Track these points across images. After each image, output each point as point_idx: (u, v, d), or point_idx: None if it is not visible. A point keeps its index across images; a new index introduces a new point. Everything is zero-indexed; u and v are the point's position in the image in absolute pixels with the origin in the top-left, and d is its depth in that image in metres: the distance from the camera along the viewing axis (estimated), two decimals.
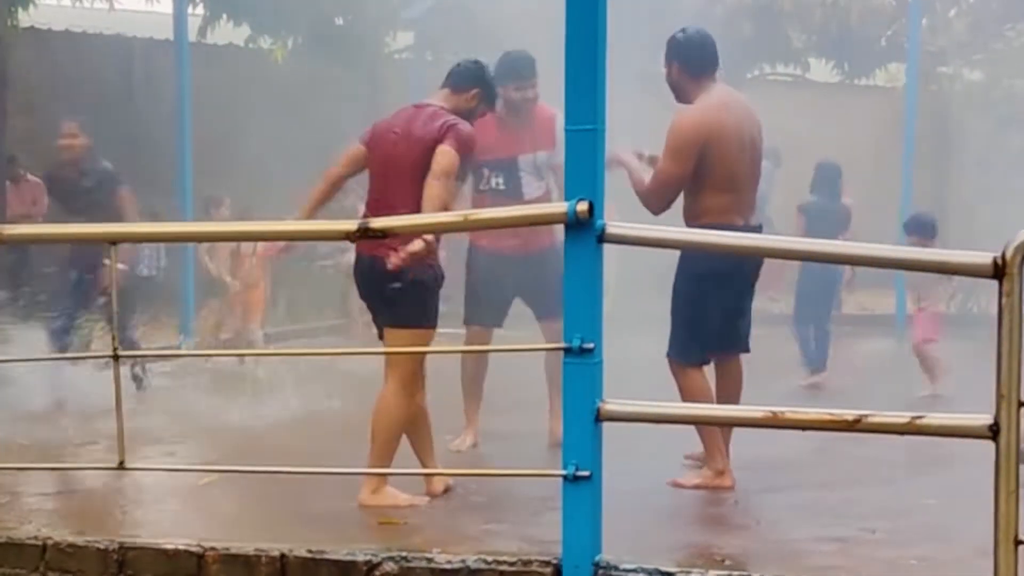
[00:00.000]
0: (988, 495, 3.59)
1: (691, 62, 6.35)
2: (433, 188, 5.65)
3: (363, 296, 5.99)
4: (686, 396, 6.15)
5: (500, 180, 7.02)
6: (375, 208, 5.73)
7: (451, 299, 6.94)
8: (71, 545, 4.89)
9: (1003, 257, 3.55)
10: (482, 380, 7.32)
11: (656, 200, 6.24)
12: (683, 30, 6.45)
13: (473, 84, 6.15)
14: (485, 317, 7.26)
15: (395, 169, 5.84)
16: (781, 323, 10.74)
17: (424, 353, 5.83)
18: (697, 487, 6.18)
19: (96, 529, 5.13)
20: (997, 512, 3.57)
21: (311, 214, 6.10)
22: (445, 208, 5.57)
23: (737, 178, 6.26)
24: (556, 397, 6.89)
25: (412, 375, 5.82)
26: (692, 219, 6.23)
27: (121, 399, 4.83)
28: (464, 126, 5.87)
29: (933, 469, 6.05)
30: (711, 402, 6.21)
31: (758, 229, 6.40)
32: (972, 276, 3.69)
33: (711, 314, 6.24)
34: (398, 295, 5.70)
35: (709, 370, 6.45)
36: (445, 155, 5.72)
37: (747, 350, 6.57)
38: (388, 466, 5.73)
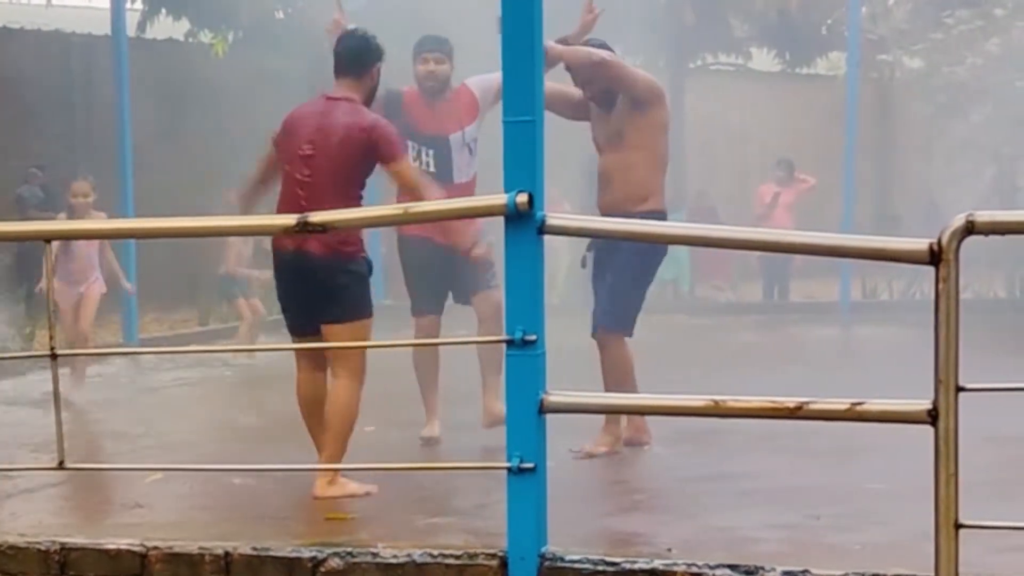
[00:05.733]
0: (930, 479, 3.61)
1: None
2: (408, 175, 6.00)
3: (291, 295, 5.89)
4: (622, 366, 6.49)
5: (430, 160, 6.95)
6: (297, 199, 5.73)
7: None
8: (12, 547, 4.81)
9: (939, 243, 3.56)
10: (436, 367, 7.24)
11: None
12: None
13: (372, 61, 6.12)
14: (429, 304, 7.21)
15: (319, 162, 5.81)
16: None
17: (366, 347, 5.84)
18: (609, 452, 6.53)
19: (36, 530, 5.06)
20: (937, 496, 3.59)
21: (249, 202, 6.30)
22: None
23: (666, 161, 6.61)
24: (490, 375, 7.01)
25: (362, 365, 5.86)
26: (637, 202, 6.43)
27: (59, 398, 4.78)
28: (386, 126, 5.93)
29: (878, 453, 6.08)
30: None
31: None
32: (909, 263, 3.70)
33: (644, 289, 6.60)
34: (341, 289, 5.71)
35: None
36: (402, 170, 5.93)
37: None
38: (343, 457, 5.73)
